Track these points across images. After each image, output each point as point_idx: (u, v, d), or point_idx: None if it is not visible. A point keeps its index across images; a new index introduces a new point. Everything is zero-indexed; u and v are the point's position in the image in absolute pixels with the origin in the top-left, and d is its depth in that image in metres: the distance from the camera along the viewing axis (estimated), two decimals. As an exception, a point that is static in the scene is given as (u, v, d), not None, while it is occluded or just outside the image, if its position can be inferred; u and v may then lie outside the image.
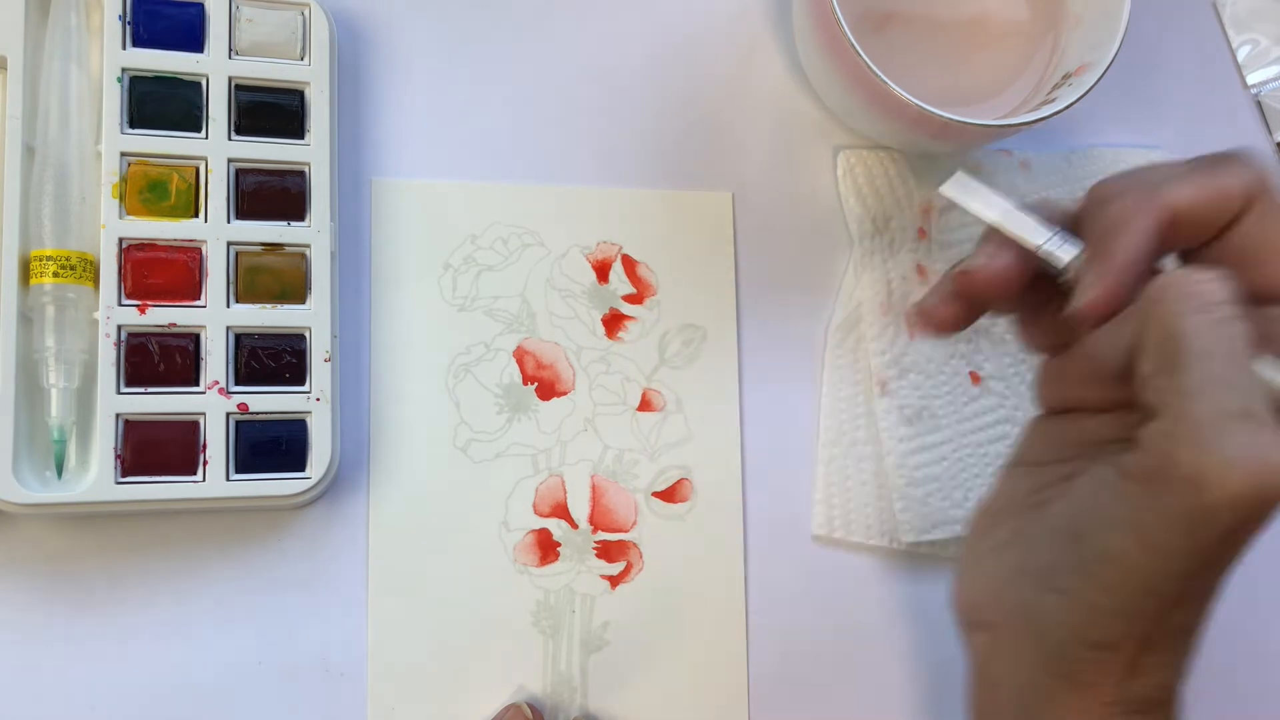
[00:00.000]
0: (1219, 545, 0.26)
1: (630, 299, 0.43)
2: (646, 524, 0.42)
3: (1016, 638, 0.31)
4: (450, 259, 0.42)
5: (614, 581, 0.42)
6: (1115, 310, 0.29)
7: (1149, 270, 0.29)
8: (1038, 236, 0.30)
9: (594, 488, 0.42)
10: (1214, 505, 0.25)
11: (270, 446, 0.38)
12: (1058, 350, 0.32)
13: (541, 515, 0.41)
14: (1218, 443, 0.25)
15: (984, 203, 0.31)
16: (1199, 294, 0.27)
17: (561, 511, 0.42)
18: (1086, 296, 0.29)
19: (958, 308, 0.32)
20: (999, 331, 0.45)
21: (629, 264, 0.44)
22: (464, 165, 0.43)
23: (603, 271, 0.43)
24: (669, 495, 0.43)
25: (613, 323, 0.43)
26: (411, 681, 0.40)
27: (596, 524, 0.42)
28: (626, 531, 0.42)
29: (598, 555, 0.42)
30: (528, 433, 0.42)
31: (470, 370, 0.42)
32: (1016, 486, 0.33)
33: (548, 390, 0.42)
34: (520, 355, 0.42)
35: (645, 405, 0.43)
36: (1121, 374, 0.28)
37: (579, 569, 0.41)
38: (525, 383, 0.42)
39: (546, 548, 0.41)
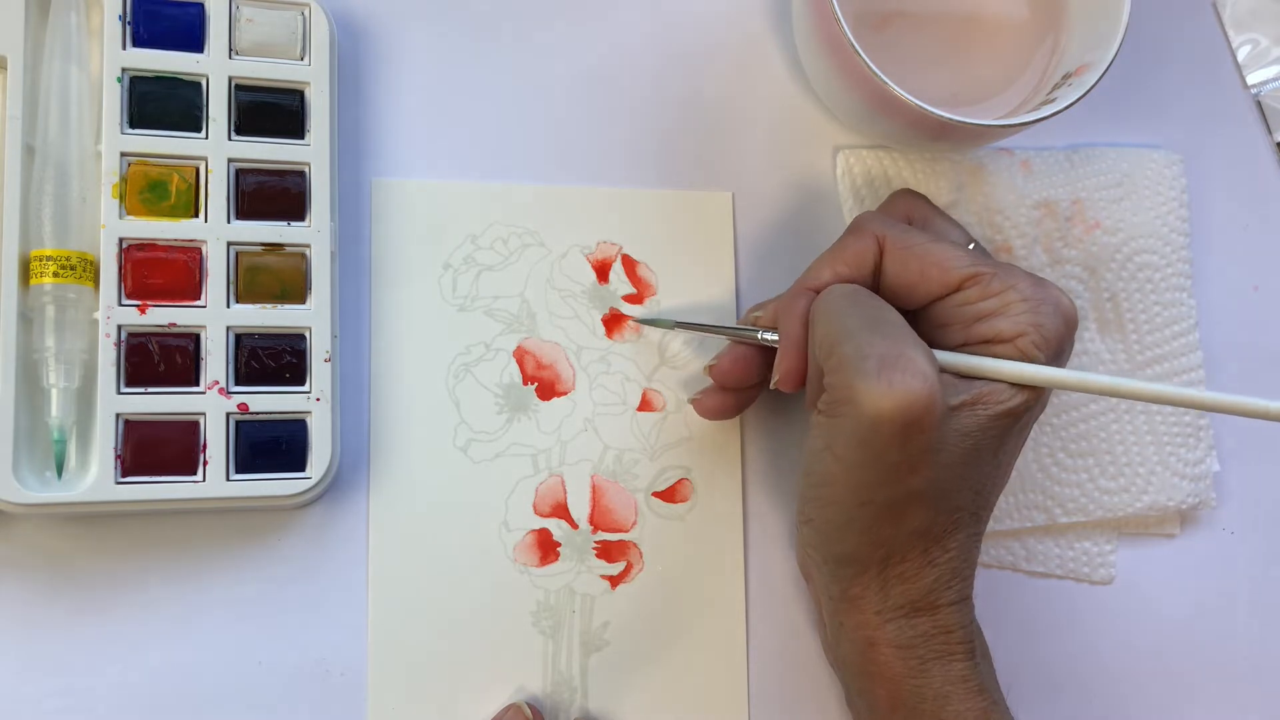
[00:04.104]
0: (891, 454, 0.33)
1: (630, 299, 0.43)
2: (647, 524, 0.42)
3: (812, 576, 0.39)
4: (450, 259, 0.42)
5: (614, 581, 0.42)
6: (799, 377, 0.38)
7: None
8: (749, 332, 0.40)
9: (594, 488, 0.42)
10: (870, 420, 0.33)
11: (270, 446, 0.38)
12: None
13: (541, 515, 0.41)
14: (867, 375, 0.33)
15: (712, 327, 0.42)
16: (832, 291, 0.37)
17: (561, 511, 0.42)
18: (778, 375, 0.38)
19: (718, 396, 0.41)
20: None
21: (629, 264, 0.44)
22: (464, 165, 0.43)
23: (603, 271, 0.43)
24: (669, 495, 0.43)
25: (613, 323, 0.43)
26: (411, 681, 0.40)
27: (596, 524, 0.42)
28: (626, 531, 0.42)
29: (598, 555, 0.42)
30: (528, 433, 0.42)
31: (470, 370, 0.42)
32: None
33: (548, 390, 0.42)
34: (520, 355, 0.42)
35: (645, 405, 0.43)
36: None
37: (579, 569, 0.41)
38: (525, 383, 0.42)
39: (546, 548, 0.41)
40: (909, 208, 0.41)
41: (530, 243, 0.43)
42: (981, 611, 0.39)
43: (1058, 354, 0.36)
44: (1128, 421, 0.46)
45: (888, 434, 0.33)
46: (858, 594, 0.37)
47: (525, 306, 0.42)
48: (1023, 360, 0.35)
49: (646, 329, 0.43)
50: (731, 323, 0.44)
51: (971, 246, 0.40)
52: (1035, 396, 0.36)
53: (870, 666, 0.37)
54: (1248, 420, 0.48)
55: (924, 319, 0.38)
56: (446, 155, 0.43)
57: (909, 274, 0.37)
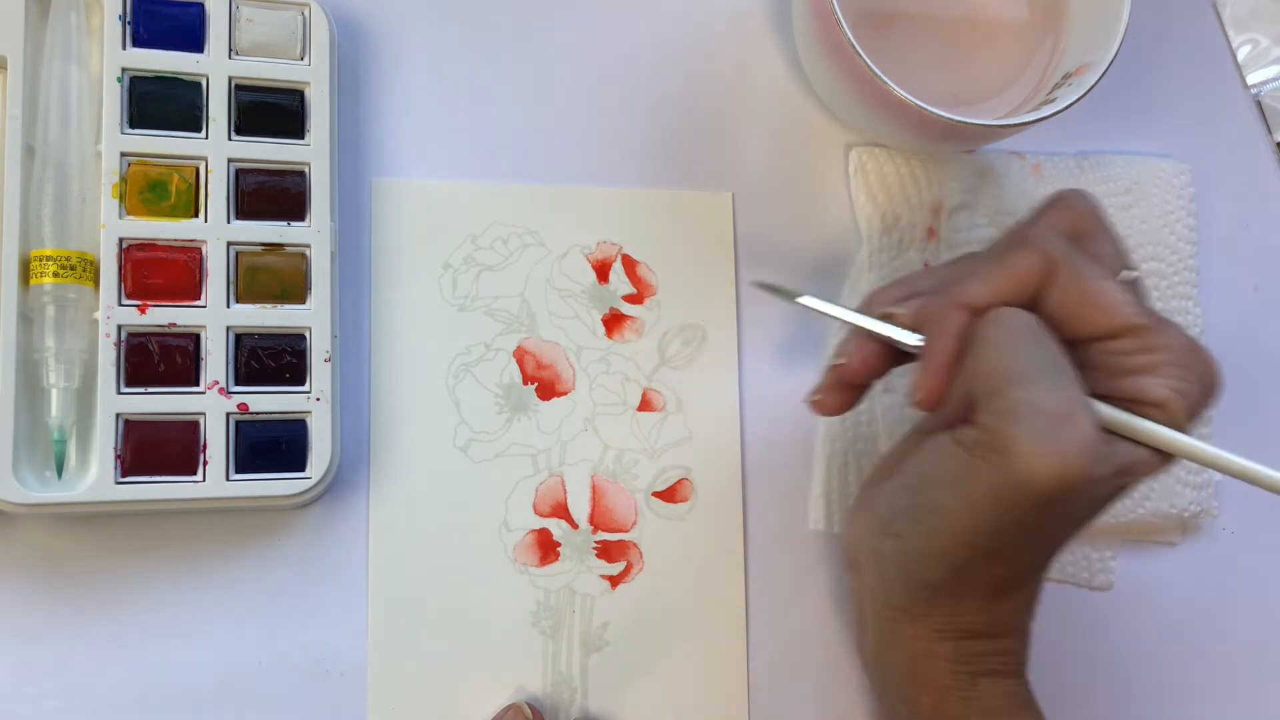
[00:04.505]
0: (1024, 513, 0.31)
1: (630, 299, 0.43)
2: (647, 524, 0.42)
3: (870, 576, 0.37)
4: (450, 259, 0.42)
5: (614, 581, 0.42)
6: (943, 398, 0.34)
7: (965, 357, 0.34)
8: (890, 330, 0.36)
9: (594, 488, 0.42)
10: (1021, 478, 0.30)
11: (270, 446, 0.38)
12: None
13: (541, 515, 0.41)
14: (1034, 432, 0.30)
15: (839, 311, 0.37)
16: (1009, 319, 0.33)
17: (561, 511, 0.42)
18: (919, 394, 0.34)
19: (840, 394, 0.38)
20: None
21: (629, 264, 0.44)
22: (464, 165, 0.43)
23: (603, 271, 0.43)
24: (669, 495, 0.43)
25: (613, 323, 0.43)
26: (411, 681, 0.40)
27: (596, 524, 0.42)
28: (626, 531, 0.42)
29: (598, 555, 0.42)
30: (528, 433, 0.42)
31: (470, 370, 0.42)
32: (897, 447, 0.39)
33: (548, 390, 0.42)
34: (520, 355, 0.42)
35: (645, 405, 0.43)
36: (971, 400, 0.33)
37: (579, 569, 0.41)
38: (525, 383, 0.42)
39: (546, 548, 0.41)
40: (1076, 219, 0.36)
41: (530, 242, 0.43)
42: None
43: (1194, 423, 0.34)
44: (1128, 422, 0.46)
45: (1030, 497, 0.31)
46: (922, 612, 0.36)
47: (525, 306, 0.42)
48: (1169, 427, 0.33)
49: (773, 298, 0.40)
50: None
51: (1130, 275, 0.36)
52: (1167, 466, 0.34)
53: (919, 674, 0.36)
54: (1247, 427, 0.48)
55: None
56: (446, 155, 0.43)
57: (1071, 307, 0.34)
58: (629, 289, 0.43)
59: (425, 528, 0.40)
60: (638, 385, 0.43)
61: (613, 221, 0.44)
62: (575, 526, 0.42)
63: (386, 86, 0.43)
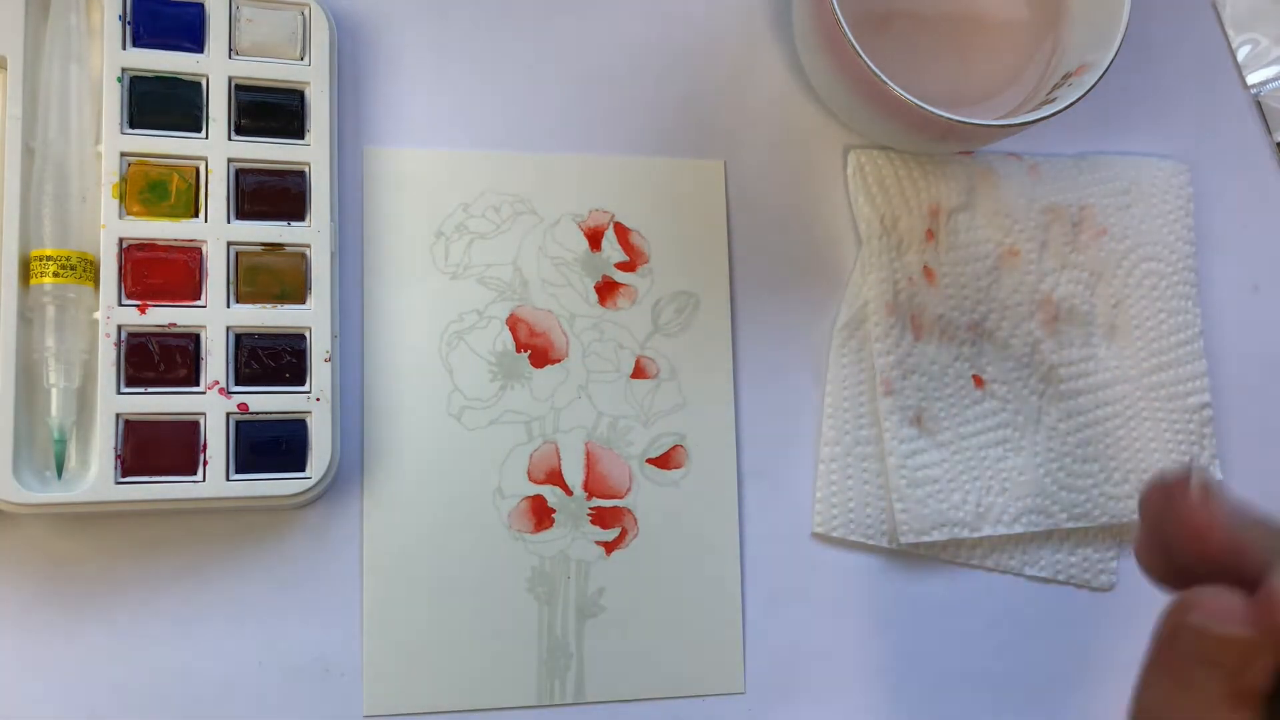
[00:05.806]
0: None
1: (623, 266, 0.43)
2: (641, 490, 0.42)
3: None
4: (442, 227, 0.42)
5: (609, 547, 0.42)
6: None
7: None
8: None
9: (588, 454, 0.42)
10: None
11: (270, 446, 0.38)
12: None
13: (536, 482, 0.41)
14: None
15: None
16: None
17: (556, 478, 0.42)
18: None
19: None
20: (1003, 336, 0.45)
21: (621, 231, 0.43)
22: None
23: (595, 239, 0.43)
24: (663, 461, 0.43)
25: (605, 290, 0.43)
26: (407, 648, 0.39)
27: (591, 490, 0.42)
28: (621, 498, 0.42)
29: (592, 521, 0.42)
30: (521, 400, 0.42)
31: (463, 338, 0.42)
32: None
33: (541, 358, 0.42)
34: (513, 323, 0.42)
35: (639, 372, 0.43)
36: None
37: (574, 535, 0.41)
38: (518, 350, 0.42)
39: (541, 514, 0.41)
40: None
41: (522, 210, 0.43)
42: (981, 615, 0.39)
43: None
44: (1134, 427, 0.46)
45: None
46: None
47: (518, 274, 0.42)
48: None
49: None
50: None
51: None
52: None
53: None
54: (1248, 427, 0.48)
55: None
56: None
57: None
58: (621, 257, 0.43)
59: (420, 495, 0.40)
60: (631, 352, 0.43)
61: (605, 189, 0.43)
62: (570, 493, 0.42)
63: (386, 86, 0.42)
